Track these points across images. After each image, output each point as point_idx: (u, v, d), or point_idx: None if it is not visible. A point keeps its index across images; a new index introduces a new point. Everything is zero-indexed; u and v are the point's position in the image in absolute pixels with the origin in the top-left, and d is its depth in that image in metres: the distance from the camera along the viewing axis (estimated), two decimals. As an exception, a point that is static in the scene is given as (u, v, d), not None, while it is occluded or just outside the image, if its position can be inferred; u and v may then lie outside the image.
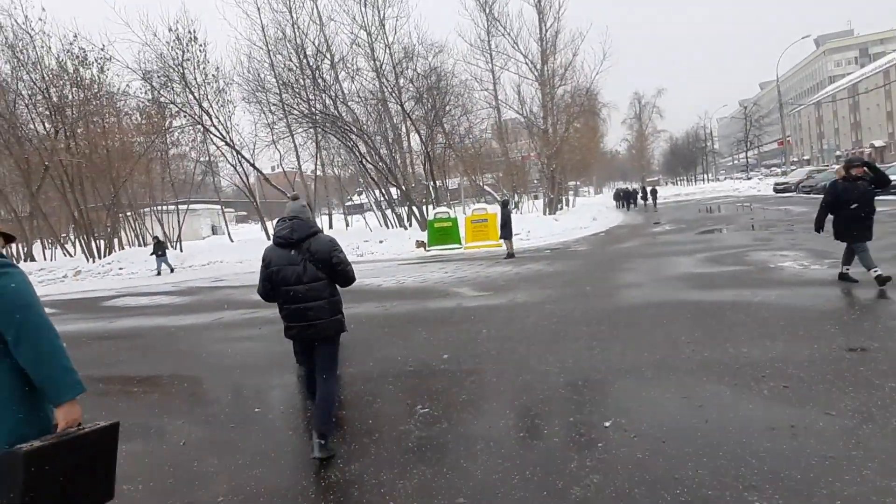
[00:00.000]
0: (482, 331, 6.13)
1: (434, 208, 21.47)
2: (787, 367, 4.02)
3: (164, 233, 27.26)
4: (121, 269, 20.77)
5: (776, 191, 32.76)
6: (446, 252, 17.45)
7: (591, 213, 26.25)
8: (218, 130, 21.12)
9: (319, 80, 20.77)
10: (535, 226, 20.79)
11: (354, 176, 30.94)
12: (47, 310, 1.93)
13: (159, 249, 18.50)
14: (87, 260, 22.05)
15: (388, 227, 26.33)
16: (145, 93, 21.16)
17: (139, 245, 27.08)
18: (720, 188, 48.98)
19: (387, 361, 5.28)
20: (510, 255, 13.89)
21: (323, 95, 21.23)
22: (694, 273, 8.61)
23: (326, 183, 29.93)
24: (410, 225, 24.20)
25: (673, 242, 13.63)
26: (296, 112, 20.23)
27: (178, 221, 26.23)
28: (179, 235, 26.45)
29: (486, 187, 37.41)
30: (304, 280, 3.33)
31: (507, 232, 13.96)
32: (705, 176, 78.11)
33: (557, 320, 6.26)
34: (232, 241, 27.68)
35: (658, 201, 35.05)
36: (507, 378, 4.49)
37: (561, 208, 33.53)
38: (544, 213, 28.26)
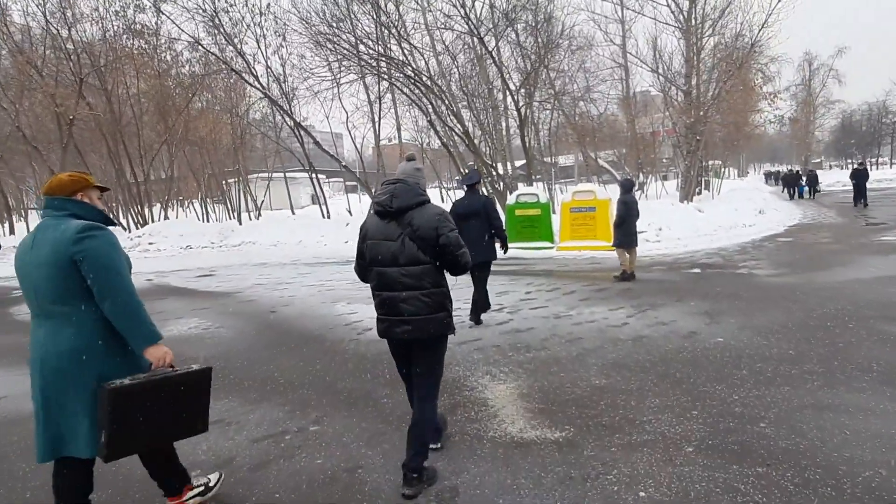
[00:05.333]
0: None
1: (525, 187, 15.70)
2: None
3: (230, 204, 24.54)
4: (150, 243, 17.87)
5: None
6: (529, 254, 11.80)
7: (754, 202, 18.65)
8: (258, 79, 17.12)
9: (383, 17, 15.76)
10: (669, 219, 14.20)
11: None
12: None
13: None
14: (124, 231, 19.57)
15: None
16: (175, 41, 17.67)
17: (229, 217, 24.63)
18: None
19: None
20: (626, 275, 8.05)
21: (387, 34, 16.25)
22: None
23: (404, 152, 25.23)
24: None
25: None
26: (345, 51, 15.34)
27: (244, 190, 23.26)
28: (240, 205, 23.51)
29: (604, 164, 30.37)
30: (400, 261, 2.55)
31: (626, 236, 8.05)
32: (892, 159, 62.36)
33: None
34: (293, 214, 24.32)
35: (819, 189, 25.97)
36: None
37: (699, 193, 25.79)
38: (681, 201, 21.07)
